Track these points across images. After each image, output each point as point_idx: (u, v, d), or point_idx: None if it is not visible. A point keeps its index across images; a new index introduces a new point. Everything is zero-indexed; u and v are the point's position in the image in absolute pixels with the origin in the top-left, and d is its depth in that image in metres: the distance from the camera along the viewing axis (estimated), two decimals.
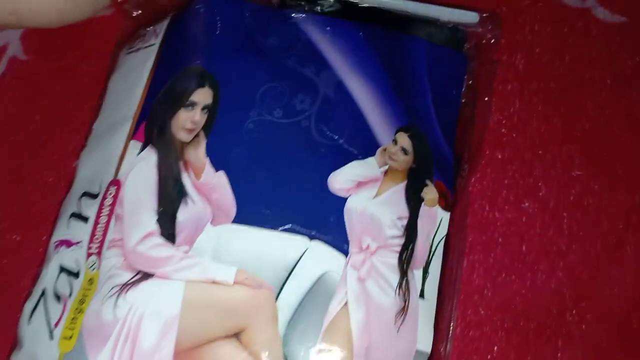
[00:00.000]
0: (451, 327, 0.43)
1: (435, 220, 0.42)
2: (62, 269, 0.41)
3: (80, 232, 0.41)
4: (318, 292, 0.39)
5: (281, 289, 0.38)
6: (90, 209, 0.41)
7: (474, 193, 0.50)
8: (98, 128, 0.46)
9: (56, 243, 0.42)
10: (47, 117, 0.52)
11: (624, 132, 0.51)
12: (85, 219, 0.41)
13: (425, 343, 0.40)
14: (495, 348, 0.48)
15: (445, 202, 0.43)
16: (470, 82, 0.47)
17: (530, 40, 0.53)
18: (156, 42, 0.45)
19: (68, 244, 0.41)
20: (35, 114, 0.52)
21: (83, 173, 0.44)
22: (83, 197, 0.42)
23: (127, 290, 0.38)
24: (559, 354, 0.47)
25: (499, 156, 0.51)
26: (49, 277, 0.41)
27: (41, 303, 0.41)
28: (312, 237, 0.39)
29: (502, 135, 0.51)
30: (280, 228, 0.39)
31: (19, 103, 0.52)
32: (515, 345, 0.48)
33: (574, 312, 0.48)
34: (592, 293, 0.48)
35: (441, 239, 0.42)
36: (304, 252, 0.39)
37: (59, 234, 0.42)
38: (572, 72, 0.53)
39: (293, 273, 0.39)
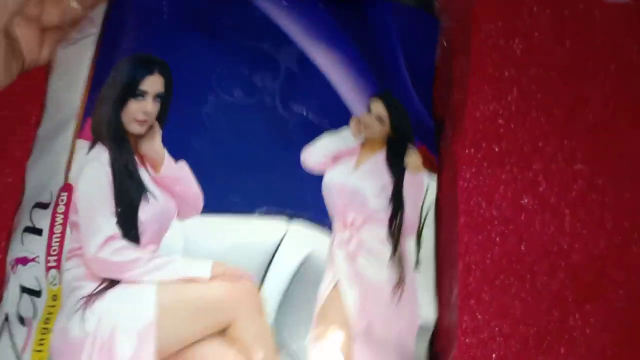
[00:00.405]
0: (453, 295, 0.42)
1: (422, 187, 0.41)
2: (24, 289, 0.38)
3: (36, 246, 0.38)
4: (304, 276, 0.37)
5: (264, 277, 0.37)
6: (43, 220, 0.39)
7: (468, 189, 0.47)
8: (42, 133, 0.43)
9: (12, 262, 0.39)
10: (2, 117, 0.48)
11: (630, 123, 0.49)
12: (39, 232, 0.39)
13: (428, 316, 0.39)
14: (494, 356, 0.45)
15: (431, 167, 0.42)
16: (444, 42, 0.46)
17: (528, 23, 0.50)
18: (95, 30, 0.42)
19: (24, 261, 0.39)
20: None
21: (32, 183, 0.42)
22: (34, 209, 0.40)
23: (94, 302, 0.35)
24: None
25: (496, 149, 0.48)
26: (10, 300, 0.39)
27: (5, 329, 0.38)
28: (290, 218, 0.38)
29: (498, 127, 0.48)
30: (254, 213, 0.37)
31: None
32: (514, 352, 0.45)
33: (577, 316, 0.46)
34: (596, 296, 0.46)
35: (430, 206, 0.41)
36: (283, 235, 0.38)
37: (14, 251, 0.40)
38: (573, 59, 0.50)
39: (274, 259, 0.37)
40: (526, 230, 0.47)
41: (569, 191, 0.47)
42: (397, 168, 0.40)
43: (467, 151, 0.48)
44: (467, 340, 0.45)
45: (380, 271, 0.38)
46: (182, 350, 0.35)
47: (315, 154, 0.39)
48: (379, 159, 0.40)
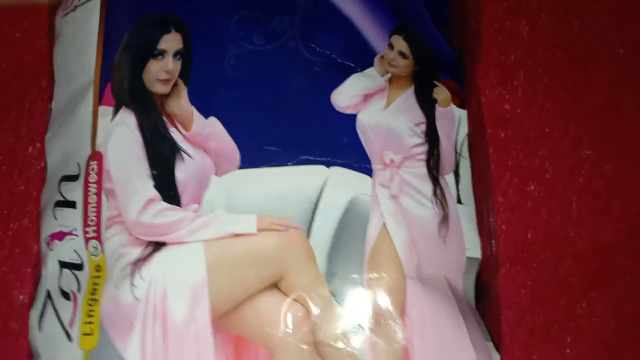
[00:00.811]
0: (492, 226, 0.42)
1: (453, 120, 0.41)
2: (63, 264, 0.38)
3: (71, 219, 0.38)
4: (351, 219, 0.37)
5: (310, 225, 0.37)
6: (74, 192, 0.38)
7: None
8: (57, 107, 0.42)
9: (47, 239, 0.39)
10: None
11: (638, 106, 0.48)
12: (72, 204, 0.38)
13: (474, 248, 0.40)
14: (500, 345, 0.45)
15: (460, 100, 0.41)
16: None
17: (535, 4, 0.49)
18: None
19: (60, 236, 0.38)
20: None
21: (54, 157, 0.41)
22: (63, 182, 0.39)
23: (142, 266, 0.36)
24: (567, 351, 0.45)
25: (502, 135, 0.47)
26: (50, 277, 0.39)
27: (48, 306, 0.38)
28: (329, 164, 0.38)
29: (504, 112, 0.47)
30: (292, 162, 0.37)
31: None
32: (520, 341, 0.45)
33: (583, 304, 0.45)
34: (603, 283, 0.46)
35: (464, 139, 0.41)
36: (325, 181, 0.38)
37: (48, 228, 0.39)
38: (581, 41, 0.48)
39: (319, 205, 0.37)
40: (532, 217, 0.46)
41: (575, 177, 0.47)
42: (427, 103, 0.40)
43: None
44: None
45: (425, 208, 0.38)
46: (237, 305, 0.35)
47: (345, 95, 0.39)
48: (409, 95, 0.39)
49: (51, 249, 0.39)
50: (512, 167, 0.47)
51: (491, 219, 0.42)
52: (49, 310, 0.38)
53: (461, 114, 0.41)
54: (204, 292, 0.35)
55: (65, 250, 0.38)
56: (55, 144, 0.41)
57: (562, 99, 0.48)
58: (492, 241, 0.41)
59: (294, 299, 0.35)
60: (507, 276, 0.46)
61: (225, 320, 0.35)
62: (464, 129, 0.41)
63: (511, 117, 0.47)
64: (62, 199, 0.39)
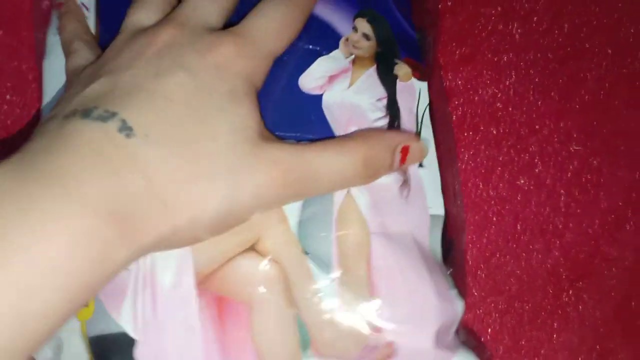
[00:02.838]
0: (457, 190, 0.44)
1: (414, 93, 0.42)
2: None
3: None
4: None
5: None
6: None
7: (466, 171, 0.49)
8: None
9: None
10: (13, 100, 0.50)
11: (626, 105, 0.49)
12: None
13: (437, 207, 0.41)
14: (489, 331, 0.47)
15: (420, 74, 0.43)
16: None
17: (527, 7, 0.51)
18: (89, 7, 0.44)
19: None
20: (4, 94, 0.50)
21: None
22: None
23: None
24: (554, 336, 0.46)
25: (494, 132, 0.49)
26: None
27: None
28: (298, 139, 0.40)
29: (497, 110, 0.50)
30: None
31: None
32: (509, 328, 0.47)
33: (570, 292, 0.47)
34: (589, 273, 0.47)
35: (425, 108, 0.42)
36: None
37: None
38: (571, 42, 0.51)
39: None
40: (522, 210, 0.48)
41: (564, 172, 0.48)
42: (388, 80, 0.41)
43: (465, 134, 0.49)
44: (464, 316, 0.47)
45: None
46: (218, 269, 0.37)
47: (311, 77, 0.41)
48: (371, 73, 0.41)
49: None
50: (503, 162, 0.49)
51: (456, 184, 0.43)
52: None
53: (421, 86, 0.42)
54: (188, 259, 0.37)
55: None
56: None
57: (553, 97, 0.49)
58: (458, 201, 0.43)
59: (269, 259, 0.37)
60: (497, 265, 0.47)
61: (208, 282, 0.37)
62: (424, 99, 0.42)
63: (503, 115, 0.49)
64: None
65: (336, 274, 0.37)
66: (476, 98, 0.50)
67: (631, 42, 0.50)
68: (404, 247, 0.39)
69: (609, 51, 0.50)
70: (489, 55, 0.50)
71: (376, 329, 0.37)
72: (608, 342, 0.47)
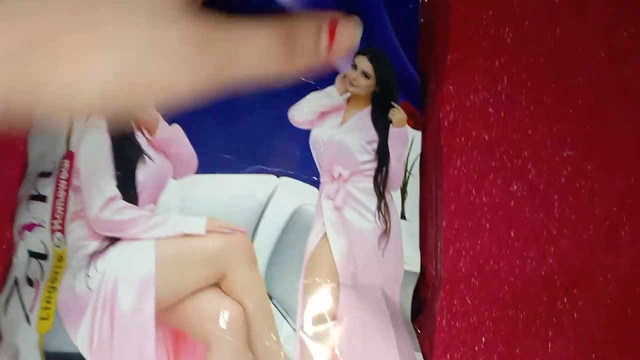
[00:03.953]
0: (438, 247, 0.43)
1: (406, 140, 0.42)
2: (31, 254, 0.41)
3: (41, 212, 0.41)
4: (294, 227, 0.39)
5: (255, 230, 0.39)
6: (47, 187, 0.41)
7: (459, 177, 0.48)
8: None
9: (19, 229, 0.41)
10: None
11: (619, 110, 0.49)
12: (43, 198, 0.41)
13: (412, 263, 0.41)
14: (483, 339, 0.47)
15: (415, 121, 0.42)
16: None
17: (518, 11, 0.50)
18: None
19: (30, 227, 0.41)
20: None
21: (33, 155, 0.44)
22: (38, 178, 0.42)
23: (97, 259, 0.38)
24: (549, 345, 0.46)
25: (486, 137, 0.49)
26: (19, 265, 0.41)
27: (14, 291, 0.40)
28: (279, 175, 0.40)
29: (489, 115, 0.49)
30: (245, 171, 0.39)
31: None
32: (504, 336, 0.46)
33: (565, 300, 0.47)
34: (584, 280, 0.47)
35: (416, 158, 0.42)
36: (273, 190, 0.40)
37: (21, 219, 0.42)
38: (563, 46, 0.50)
39: (265, 212, 0.39)
40: (515, 216, 0.48)
41: (558, 177, 0.48)
42: (382, 123, 0.41)
43: (457, 140, 0.49)
44: (457, 324, 0.47)
45: (367, 221, 0.39)
46: (180, 301, 0.37)
47: (302, 111, 0.40)
48: (365, 114, 0.41)
49: (22, 239, 0.41)
50: (495, 168, 0.48)
51: (439, 244, 0.43)
52: (15, 295, 0.40)
53: (415, 135, 0.42)
54: (150, 286, 0.37)
55: (34, 240, 0.41)
56: (35, 142, 0.44)
57: (545, 102, 0.49)
58: (437, 265, 0.43)
59: (233, 298, 0.37)
60: (491, 273, 0.47)
61: (168, 314, 0.37)
62: (416, 149, 0.42)
63: (495, 120, 0.49)
64: (35, 193, 0.41)
65: (299, 323, 0.37)
66: (468, 103, 0.49)
67: (624, 46, 0.49)
68: (373, 302, 0.39)
69: (602, 55, 0.49)
70: (481, 60, 0.50)
71: None
72: (604, 350, 0.46)
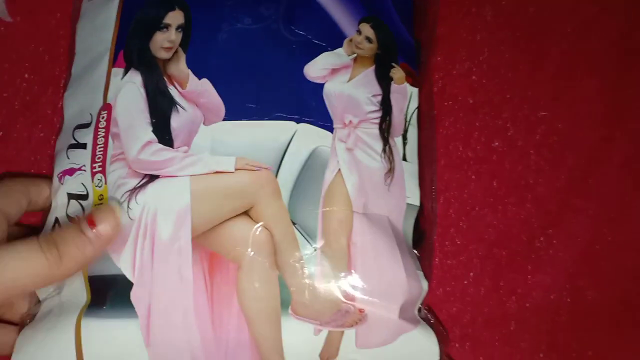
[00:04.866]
0: (433, 190, 0.47)
1: (406, 95, 0.46)
2: (70, 196, 0.44)
3: (81, 157, 0.44)
4: (312, 165, 0.43)
5: (279, 167, 0.42)
6: (86, 136, 0.44)
7: (447, 136, 0.53)
8: (76, 72, 0.48)
9: (59, 175, 0.45)
10: (31, 78, 0.54)
11: (585, 76, 0.55)
12: (83, 146, 0.44)
13: (413, 197, 0.45)
14: (471, 274, 0.52)
15: (413, 80, 0.47)
16: None
17: None
18: None
19: (71, 172, 0.44)
20: (22, 73, 0.54)
21: (71, 111, 0.47)
22: (76, 130, 0.45)
23: (137, 194, 0.41)
24: (529, 277, 0.51)
25: (470, 101, 0.54)
26: (59, 207, 0.44)
27: (56, 227, 0.43)
28: (298, 121, 0.43)
29: (472, 82, 0.54)
30: (268, 117, 0.43)
31: (3, 63, 0.55)
32: (489, 271, 0.52)
33: (542, 239, 0.52)
34: (558, 222, 0.52)
35: (414, 111, 0.46)
36: (293, 134, 0.43)
37: (61, 166, 0.45)
38: (536, 22, 0.55)
39: (287, 152, 0.43)
40: (497, 168, 0.53)
41: (533, 134, 0.54)
42: (384, 80, 0.46)
43: (445, 103, 0.54)
44: (448, 262, 0.52)
45: (375, 161, 0.44)
46: (213, 228, 0.41)
47: (315, 67, 0.45)
48: (369, 72, 0.45)
49: (62, 184, 0.44)
50: (479, 127, 0.54)
51: (433, 187, 0.48)
52: None
53: (413, 91, 0.47)
54: (187, 216, 0.40)
55: (74, 183, 0.44)
56: (73, 101, 0.47)
57: (521, 70, 0.55)
58: (432, 204, 0.47)
59: (261, 224, 0.41)
60: (477, 217, 0.52)
61: (203, 239, 0.41)
62: (414, 103, 0.47)
63: (478, 86, 0.55)
64: (74, 142, 0.45)
65: (319, 244, 0.41)
66: (454, 72, 0.55)
67: (588, 22, 0.55)
68: (381, 227, 0.43)
69: (569, 30, 0.55)
70: (464, 34, 0.55)
71: (349, 297, 0.41)
72: (577, 281, 0.51)
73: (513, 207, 0.52)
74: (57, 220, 0.44)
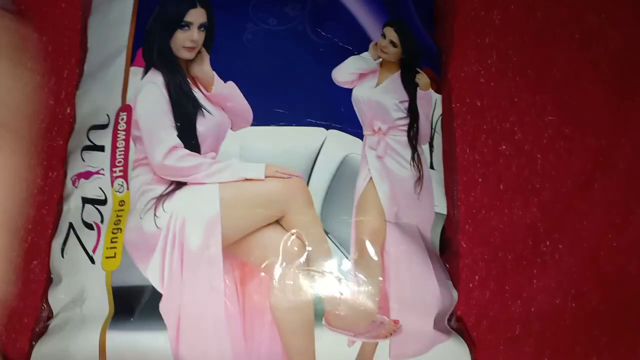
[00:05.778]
0: (454, 195, 0.48)
1: (431, 102, 0.46)
2: (86, 200, 0.42)
3: (99, 160, 0.42)
4: (344, 173, 0.42)
5: (310, 176, 0.42)
6: (103, 138, 0.43)
7: (456, 138, 0.53)
8: (89, 68, 0.47)
9: (73, 178, 0.43)
10: (35, 67, 0.51)
11: (591, 82, 0.55)
12: (101, 148, 0.43)
13: (441, 206, 0.45)
14: (477, 277, 0.51)
15: (437, 86, 0.47)
16: None
17: None
18: None
19: (87, 175, 0.42)
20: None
21: (84, 110, 0.45)
22: (91, 130, 0.44)
23: (164, 201, 0.40)
24: (534, 282, 0.51)
25: (478, 104, 0.54)
26: (73, 211, 0.43)
27: (71, 235, 0.42)
28: (328, 128, 0.43)
29: (480, 85, 0.54)
30: (297, 124, 0.42)
31: None
32: (494, 274, 0.51)
33: (547, 243, 0.52)
34: (563, 226, 0.52)
35: (439, 118, 0.46)
36: (324, 141, 0.43)
37: (75, 169, 0.43)
38: (544, 28, 0.56)
39: (318, 160, 0.42)
40: (504, 172, 0.53)
41: (540, 139, 0.54)
42: (410, 86, 0.45)
43: (454, 106, 0.54)
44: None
45: (404, 169, 0.43)
46: (244, 237, 0.40)
47: (344, 72, 0.44)
48: (395, 77, 0.45)
49: (76, 187, 0.43)
50: (487, 130, 0.54)
51: (455, 193, 0.48)
52: (72, 238, 0.42)
53: (437, 98, 0.47)
54: (217, 225, 0.39)
55: (90, 187, 0.42)
56: (86, 99, 0.45)
57: (529, 74, 0.55)
58: (455, 211, 0.47)
59: (292, 234, 0.40)
60: (484, 220, 0.52)
61: (234, 248, 0.40)
62: (439, 110, 0.46)
63: (486, 89, 0.54)
64: (90, 144, 0.43)
65: (353, 255, 0.41)
66: (462, 74, 0.54)
67: (594, 29, 0.56)
68: (412, 237, 0.43)
69: (576, 36, 0.56)
70: (473, 38, 0.55)
71: (384, 308, 0.41)
72: (581, 285, 0.50)
73: (519, 210, 0.53)
74: (71, 225, 0.42)
